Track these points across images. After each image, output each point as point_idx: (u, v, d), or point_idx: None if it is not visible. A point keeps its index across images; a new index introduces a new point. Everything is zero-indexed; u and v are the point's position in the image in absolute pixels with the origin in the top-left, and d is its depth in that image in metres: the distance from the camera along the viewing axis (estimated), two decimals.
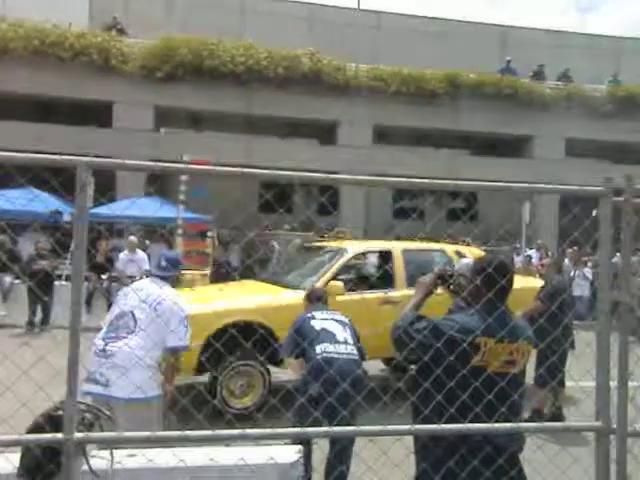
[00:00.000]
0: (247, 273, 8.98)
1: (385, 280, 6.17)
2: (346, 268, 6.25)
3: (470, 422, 2.15)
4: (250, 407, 5.26)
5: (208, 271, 10.26)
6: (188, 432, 1.84)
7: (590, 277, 12.61)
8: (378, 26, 18.74)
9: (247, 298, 5.76)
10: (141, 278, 10.05)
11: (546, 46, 18.89)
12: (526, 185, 2.18)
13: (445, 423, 2.14)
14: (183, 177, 9.58)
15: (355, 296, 5.80)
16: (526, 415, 5.23)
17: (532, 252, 13.67)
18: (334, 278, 5.84)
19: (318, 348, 3.64)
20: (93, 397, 3.12)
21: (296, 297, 5.22)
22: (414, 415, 2.32)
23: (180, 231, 10.10)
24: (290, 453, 2.42)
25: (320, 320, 3.90)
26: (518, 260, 13.27)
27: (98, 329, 4.13)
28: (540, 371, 5.01)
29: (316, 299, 4.23)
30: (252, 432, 1.88)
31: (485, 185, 2.20)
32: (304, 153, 16.17)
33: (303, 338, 3.70)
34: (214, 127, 17.04)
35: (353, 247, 6.52)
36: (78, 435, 1.74)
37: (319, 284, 5.64)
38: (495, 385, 2.19)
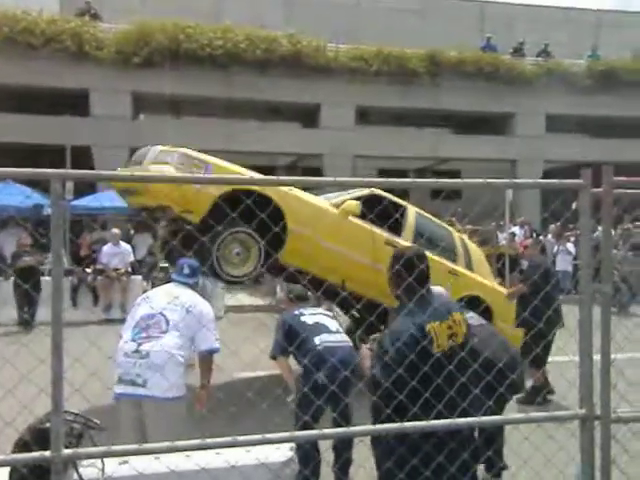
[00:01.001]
0: None
1: (395, 229, 6.14)
2: (362, 202, 6.01)
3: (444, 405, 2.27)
4: (248, 274, 5.23)
5: None
6: (177, 443, 1.84)
7: (573, 252, 12.78)
8: (357, 4, 18.50)
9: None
10: (126, 270, 10.05)
11: (525, 21, 18.83)
12: (506, 181, 2.18)
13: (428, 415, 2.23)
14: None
15: (366, 225, 5.75)
16: (523, 393, 5.41)
17: (516, 229, 13.78)
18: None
19: (317, 339, 3.79)
20: (128, 398, 3.15)
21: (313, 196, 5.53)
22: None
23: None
24: (282, 452, 2.44)
25: (310, 315, 4.01)
26: (502, 237, 13.37)
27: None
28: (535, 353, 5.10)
29: (300, 299, 4.30)
30: (243, 439, 1.89)
31: (466, 182, 2.20)
32: (286, 136, 16.05)
33: (296, 334, 3.77)
34: (194, 112, 16.81)
35: (376, 189, 6.32)
36: (66, 452, 1.73)
37: (339, 199, 5.70)
38: (452, 360, 2.36)
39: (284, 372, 3.96)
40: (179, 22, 14.53)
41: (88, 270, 10.11)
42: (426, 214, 6.66)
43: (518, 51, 17.36)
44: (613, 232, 10.97)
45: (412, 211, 6.35)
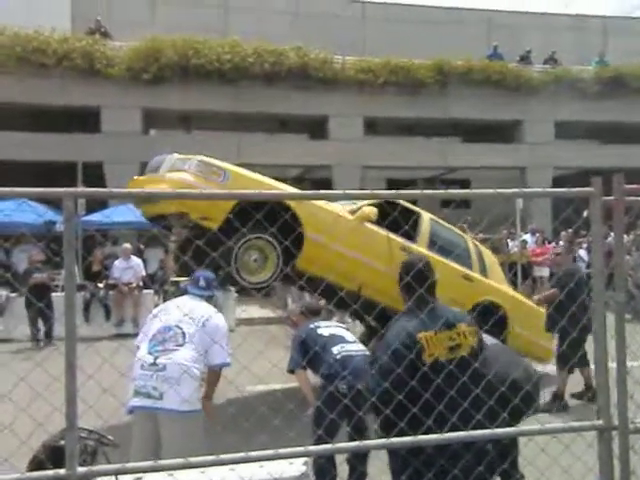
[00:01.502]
0: None
1: (409, 236, 6.10)
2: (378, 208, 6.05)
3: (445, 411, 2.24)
4: (265, 281, 5.19)
5: None
6: (191, 459, 1.84)
7: (586, 259, 12.66)
8: (363, 16, 18.64)
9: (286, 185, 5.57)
10: (138, 285, 10.10)
11: (532, 28, 18.85)
12: (516, 190, 2.18)
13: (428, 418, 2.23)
14: None
15: (382, 232, 5.73)
16: (546, 400, 5.47)
17: (527, 236, 13.69)
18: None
19: (334, 349, 3.83)
20: (144, 411, 3.16)
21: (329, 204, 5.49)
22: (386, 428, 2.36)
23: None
24: (296, 467, 2.43)
25: (325, 328, 4.06)
26: (513, 245, 13.28)
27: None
28: (562, 352, 5.23)
29: (313, 313, 4.35)
30: (256, 454, 1.89)
31: (475, 192, 2.20)
32: (294, 148, 16.13)
33: (313, 346, 3.79)
34: (203, 127, 16.96)
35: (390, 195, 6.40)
36: (81, 470, 1.74)
37: (355, 205, 5.69)
38: (451, 372, 2.34)
39: (303, 385, 3.96)
40: (187, 38, 14.73)
41: (100, 285, 10.18)
42: (440, 220, 6.67)
43: (525, 59, 17.36)
44: (626, 238, 10.88)
45: (426, 217, 6.36)
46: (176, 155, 5.30)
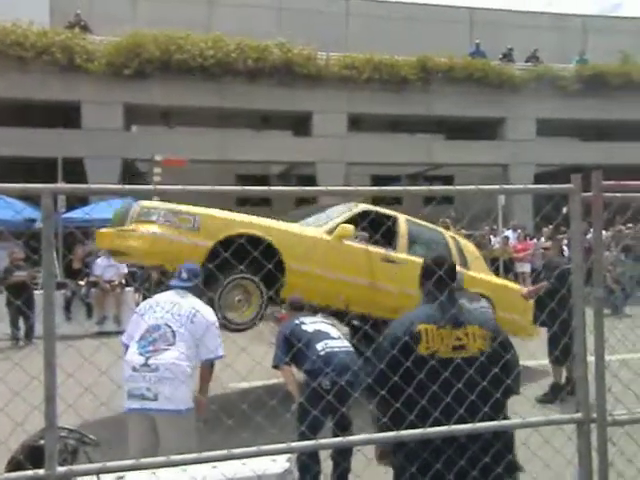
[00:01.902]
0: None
1: (389, 241, 6.14)
2: (353, 221, 6.06)
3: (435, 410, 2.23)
4: (247, 323, 5.18)
5: None
6: (173, 457, 1.83)
7: (566, 254, 12.81)
8: (347, 13, 18.63)
9: (259, 218, 5.51)
10: (120, 282, 10.00)
11: (514, 27, 19.01)
12: (496, 187, 2.19)
13: (414, 414, 2.23)
14: (156, 177, 9.34)
15: (361, 246, 5.75)
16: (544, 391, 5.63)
17: (509, 232, 13.84)
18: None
19: (319, 345, 3.83)
20: (139, 412, 3.13)
21: (306, 229, 5.41)
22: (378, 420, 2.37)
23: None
24: (279, 464, 2.43)
25: (310, 324, 4.06)
26: (495, 241, 13.42)
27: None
28: (555, 352, 5.34)
29: (297, 309, 4.32)
30: (238, 452, 1.88)
31: (457, 189, 2.21)
32: (278, 145, 16.09)
33: (298, 342, 3.79)
34: (186, 123, 16.83)
35: (364, 205, 6.36)
36: (61, 469, 1.72)
37: (331, 224, 5.65)
38: (453, 370, 2.29)
39: (288, 381, 3.95)
40: (170, 33, 14.58)
41: (81, 283, 10.06)
42: (416, 220, 6.69)
43: (507, 56, 17.51)
44: (605, 234, 11.05)
45: (402, 220, 6.35)
46: (141, 203, 5.14)
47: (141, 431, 3.18)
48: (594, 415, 2.30)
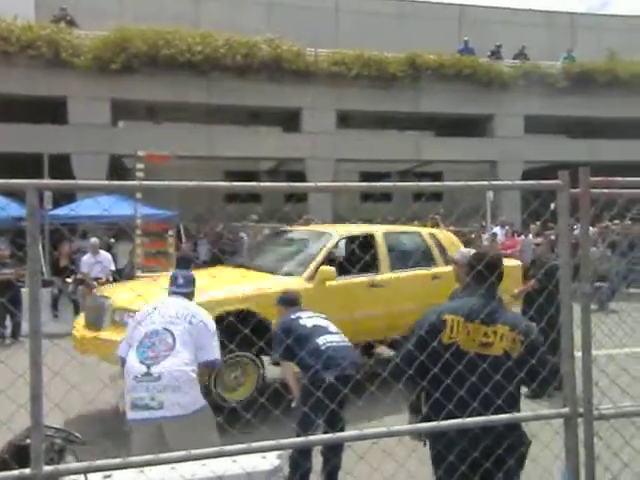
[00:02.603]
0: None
1: (369, 263, 6.02)
2: (331, 255, 6.11)
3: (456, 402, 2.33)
4: (243, 401, 5.05)
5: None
6: (161, 455, 1.81)
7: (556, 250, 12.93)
8: (336, 9, 18.59)
9: (245, 287, 5.39)
10: (107, 279, 9.90)
11: (502, 23, 19.10)
12: (484, 183, 2.20)
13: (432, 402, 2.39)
14: (139, 173, 9.19)
15: (343, 280, 5.71)
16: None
17: (497, 229, 13.92)
18: (323, 263, 5.69)
19: (320, 340, 3.82)
20: (144, 423, 3.02)
21: (288, 283, 5.31)
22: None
23: (138, 231, 9.60)
24: (269, 461, 2.42)
25: (307, 319, 4.02)
26: (484, 238, 13.49)
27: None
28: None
29: (292, 303, 4.27)
30: (228, 449, 1.87)
31: (446, 185, 2.22)
32: (267, 141, 16.04)
33: (297, 337, 3.76)
34: (174, 118, 16.72)
35: (337, 231, 6.31)
36: (47, 468, 1.70)
37: (310, 269, 5.58)
38: (473, 365, 2.36)
39: (288, 376, 3.92)
40: (157, 28, 14.44)
41: (69, 280, 9.96)
42: (393, 228, 6.66)
43: (495, 54, 17.58)
44: (592, 230, 11.15)
45: (380, 235, 6.29)
46: (115, 304, 5.01)
47: (145, 437, 3.07)
48: (581, 410, 2.32)
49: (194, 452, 1.85)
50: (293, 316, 4.06)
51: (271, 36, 15.23)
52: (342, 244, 7.22)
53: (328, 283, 5.54)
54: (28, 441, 1.95)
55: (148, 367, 3.07)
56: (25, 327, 8.50)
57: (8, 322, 8.98)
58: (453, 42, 17.69)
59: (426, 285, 6.11)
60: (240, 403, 5.01)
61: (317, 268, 5.58)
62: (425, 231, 7.11)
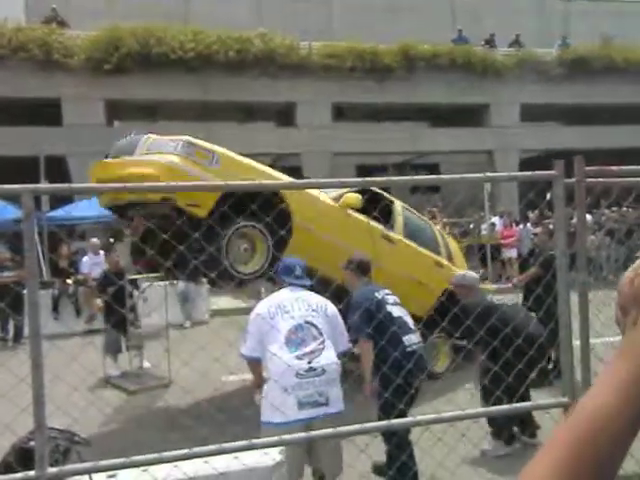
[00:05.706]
0: None
1: (387, 220, 6.11)
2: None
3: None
4: (255, 272, 4.93)
5: None
6: (164, 453, 1.83)
7: None
8: (328, 1, 18.48)
9: (274, 171, 5.29)
10: None
11: (495, 12, 19.00)
12: (480, 175, 2.21)
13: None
14: None
15: (364, 219, 5.62)
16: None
17: (495, 219, 13.93)
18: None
19: (405, 339, 3.70)
20: (313, 422, 2.86)
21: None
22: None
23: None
24: (270, 457, 2.44)
25: (392, 305, 3.84)
26: (483, 228, 13.51)
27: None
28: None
29: (365, 272, 4.05)
30: (230, 446, 1.89)
31: (442, 178, 2.22)
32: (263, 137, 15.99)
33: (383, 323, 3.61)
34: (169, 116, 16.64)
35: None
36: (51, 470, 1.71)
37: (338, 192, 5.50)
38: None
39: (365, 358, 3.67)
40: (149, 26, 14.36)
41: (69, 281, 9.96)
42: (410, 208, 6.73)
43: (490, 42, 17.52)
44: (589, 218, 11.14)
45: (399, 205, 6.40)
46: (151, 136, 4.92)
47: (299, 448, 2.93)
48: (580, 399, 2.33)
49: (196, 450, 1.86)
50: (378, 294, 3.83)
51: (263, 30, 15.15)
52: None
53: (350, 211, 5.52)
54: (32, 443, 1.96)
55: (309, 362, 2.98)
56: (27, 330, 8.49)
57: (11, 326, 8.99)
58: (447, 32, 17.61)
59: (427, 265, 6.17)
60: (253, 275, 4.93)
61: (343, 194, 5.53)
62: (434, 226, 7.27)
